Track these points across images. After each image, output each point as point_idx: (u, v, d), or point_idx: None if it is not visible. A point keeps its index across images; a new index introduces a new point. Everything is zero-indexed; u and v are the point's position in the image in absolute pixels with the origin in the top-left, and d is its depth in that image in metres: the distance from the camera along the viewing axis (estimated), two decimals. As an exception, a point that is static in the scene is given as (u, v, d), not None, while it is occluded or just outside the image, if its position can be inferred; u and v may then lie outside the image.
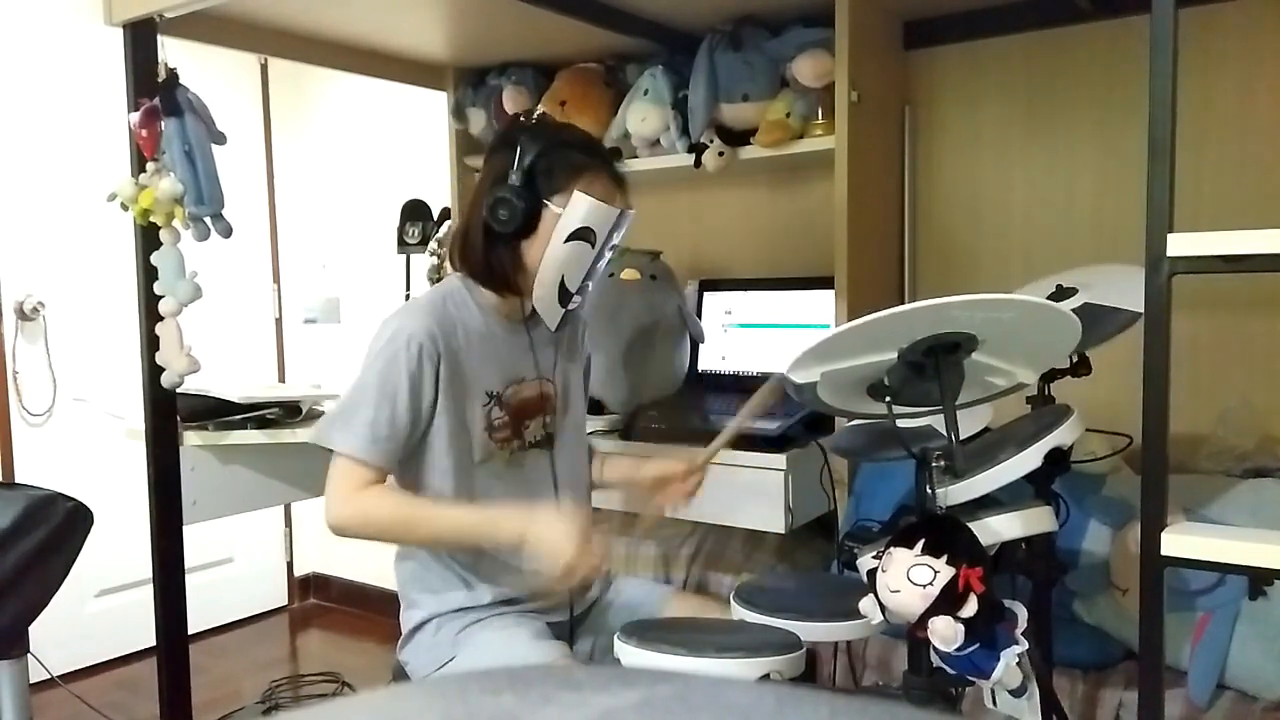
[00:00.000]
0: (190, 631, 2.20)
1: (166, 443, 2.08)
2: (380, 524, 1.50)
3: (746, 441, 1.96)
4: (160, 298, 1.99)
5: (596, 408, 2.22)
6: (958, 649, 1.10)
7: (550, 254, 1.50)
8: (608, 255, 1.56)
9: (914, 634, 1.14)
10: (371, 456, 1.46)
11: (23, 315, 2.95)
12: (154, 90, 1.92)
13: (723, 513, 1.97)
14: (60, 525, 1.63)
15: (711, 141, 2.16)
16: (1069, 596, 1.76)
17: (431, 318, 1.50)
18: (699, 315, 2.35)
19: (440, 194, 2.66)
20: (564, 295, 1.54)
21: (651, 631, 1.36)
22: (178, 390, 2.05)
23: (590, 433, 2.15)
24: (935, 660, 1.16)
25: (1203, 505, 1.65)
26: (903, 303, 1.39)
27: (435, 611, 1.57)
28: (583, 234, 1.50)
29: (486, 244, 1.51)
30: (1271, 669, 1.57)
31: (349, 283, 3.55)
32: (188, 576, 2.16)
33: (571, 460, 1.71)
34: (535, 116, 1.56)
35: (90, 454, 3.02)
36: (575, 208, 1.49)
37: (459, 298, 1.56)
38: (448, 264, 1.65)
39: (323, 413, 2.27)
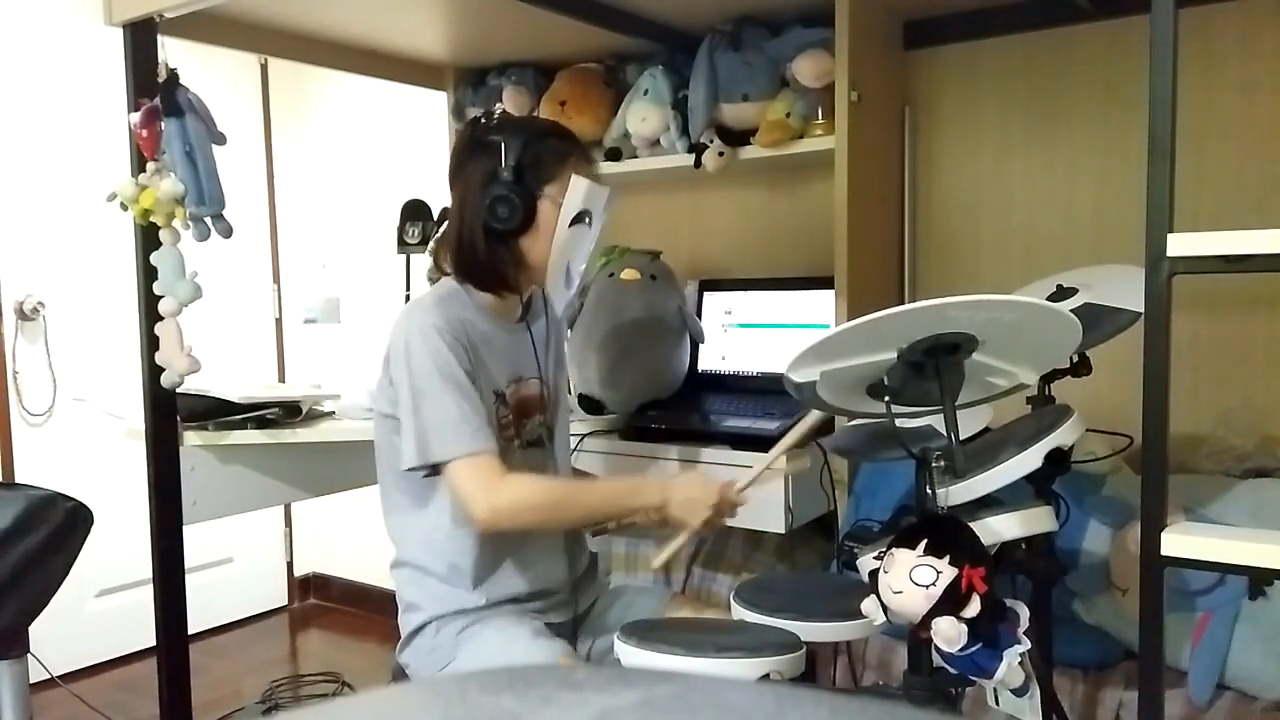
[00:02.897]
0: (190, 631, 2.20)
1: (166, 443, 2.08)
2: (535, 508, 1.50)
3: (746, 441, 1.96)
4: (160, 298, 1.99)
5: (597, 408, 2.22)
6: (961, 649, 1.10)
7: (557, 241, 1.52)
8: (598, 235, 1.59)
9: (916, 634, 1.14)
10: (484, 443, 1.46)
11: (23, 315, 2.95)
12: (154, 90, 1.92)
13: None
14: (60, 525, 1.63)
15: (711, 141, 2.16)
16: (1069, 596, 1.76)
17: (444, 311, 1.51)
18: (699, 315, 2.35)
19: (440, 194, 2.65)
20: (569, 280, 1.58)
21: (651, 631, 1.36)
22: (178, 390, 2.05)
23: (590, 433, 2.16)
24: (937, 660, 1.15)
25: (1203, 505, 1.65)
26: (903, 303, 1.39)
27: (435, 614, 1.57)
28: (581, 216, 1.53)
29: (486, 246, 1.52)
30: (1271, 669, 1.57)
31: (349, 283, 3.55)
32: (188, 576, 2.15)
33: (565, 460, 1.73)
34: (496, 116, 1.58)
35: (90, 454, 3.02)
36: (575, 192, 1.51)
37: (459, 298, 1.56)
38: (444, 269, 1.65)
39: (324, 413, 2.28)
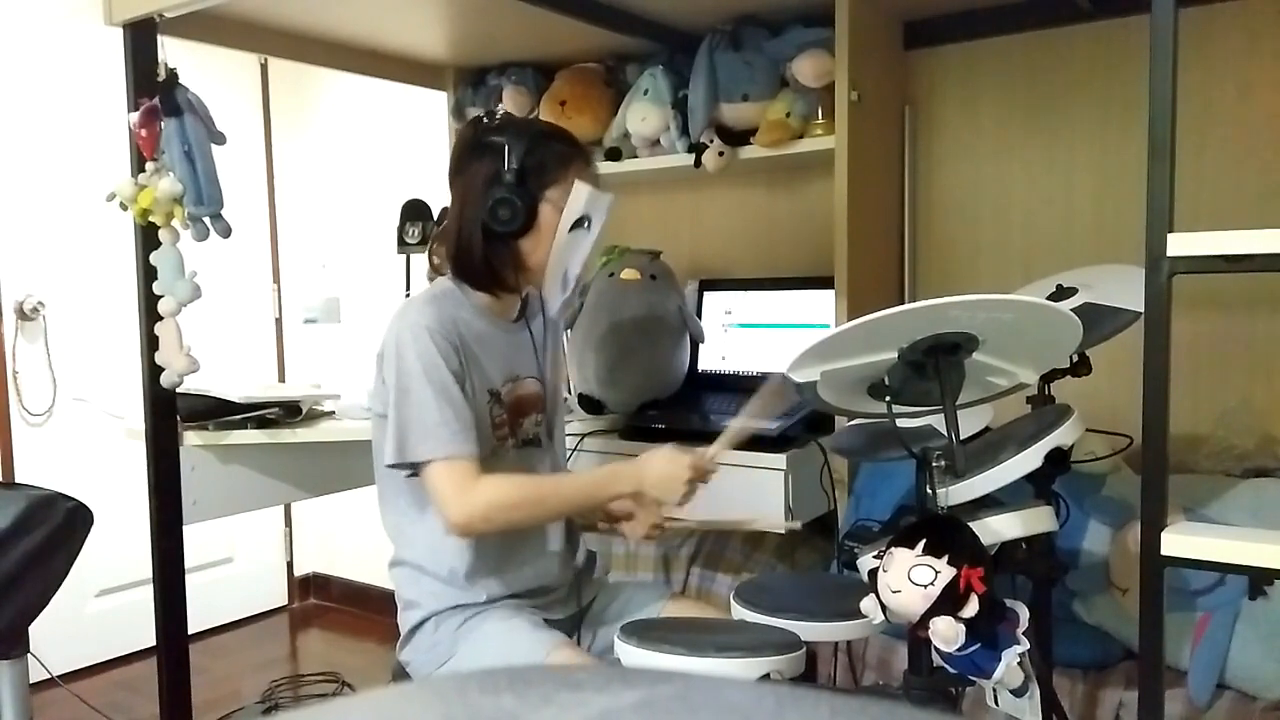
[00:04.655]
0: (190, 631, 2.20)
1: (166, 443, 2.08)
2: (509, 508, 1.50)
3: (747, 441, 1.96)
4: (160, 297, 1.99)
5: (597, 408, 2.22)
6: (959, 649, 1.10)
7: (556, 245, 1.52)
8: (596, 239, 1.58)
9: (915, 634, 1.15)
10: (462, 449, 1.46)
11: (23, 315, 2.95)
12: (154, 90, 1.92)
13: (723, 513, 1.97)
14: (60, 525, 1.63)
15: (711, 141, 2.16)
16: (1069, 596, 1.76)
17: (437, 311, 1.51)
18: (699, 315, 2.35)
19: (440, 194, 2.65)
20: (565, 283, 1.57)
21: (651, 631, 1.36)
22: (178, 390, 2.05)
23: (590, 433, 2.16)
24: (936, 660, 1.16)
25: (1203, 505, 1.65)
26: (903, 303, 1.39)
27: (433, 610, 1.57)
28: (581, 221, 1.53)
29: (486, 247, 1.52)
30: (1271, 669, 1.57)
31: (349, 283, 3.55)
32: (188, 576, 2.15)
33: (561, 459, 1.74)
34: (498, 117, 1.57)
35: (90, 454, 3.02)
36: (576, 197, 1.51)
37: (455, 298, 1.57)
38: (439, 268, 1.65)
39: (324, 413, 2.28)
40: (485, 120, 1.57)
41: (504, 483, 1.51)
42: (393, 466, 1.49)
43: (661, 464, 1.51)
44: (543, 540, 1.63)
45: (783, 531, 1.85)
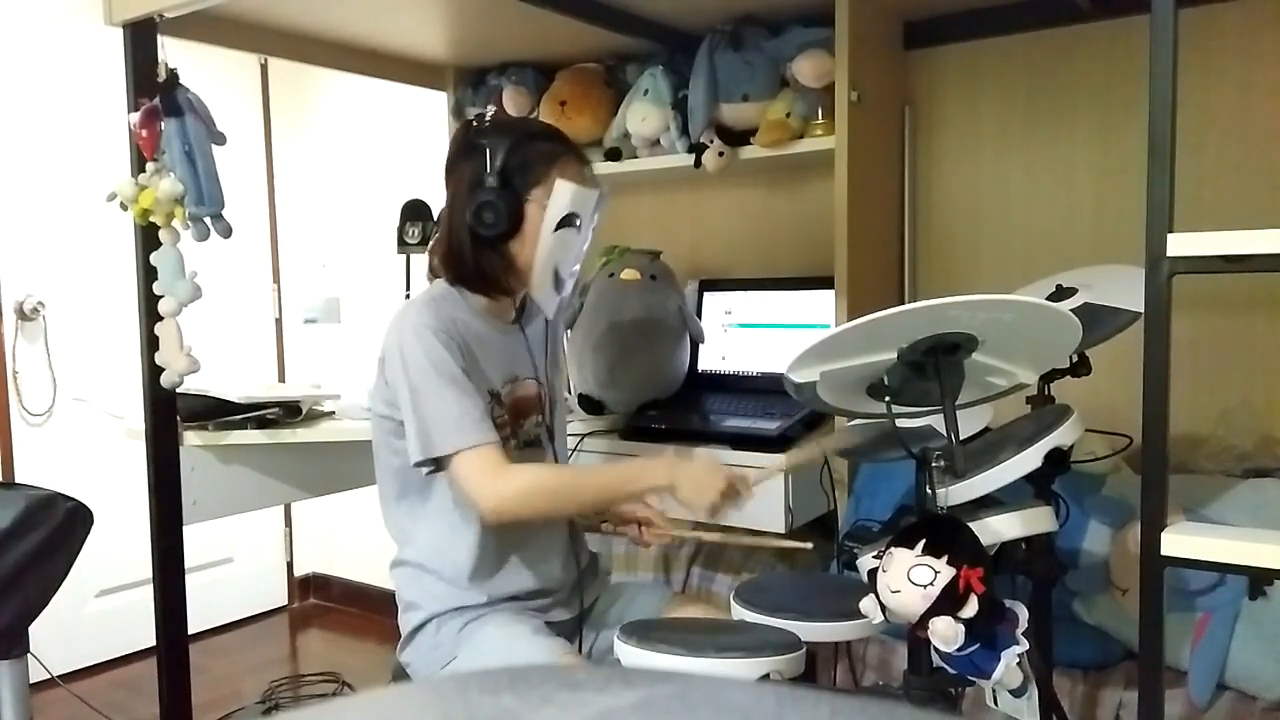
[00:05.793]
0: (190, 631, 2.20)
1: (166, 443, 2.08)
2: (542, 493, 1.50)
3: (747, 441, 1.96)
4: (160, 298, 1.99)
5: (597, 408, 2.22)
6: (958, 649, 1.10)
7: (542, 246, 1.51)
8: (590, 237, 1.57)
9: (914, 634, 1.15)
10: (486, 435, 1.46)
11: (23, 315, 2.95)
12: (154, 90, 1.92)
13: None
14: (60, 525, 1.63)
15: (711, 141, 2.16)
16: (1069, 596, 1.76)
17: (436, 312, 1.51)
18: (699, 315, 2.35)
19: (440, 194, 2.65)
20: (558, 283, 1.56)
21: (651, 631, 1.36)
22: (178, 390, 2.05)
23: (590, 433, 2.16)
24: (936, 660, 1.16)
25: (1203, 505, 1.65)
26: (903, 303, 1.39)
27: (435, 612, 1.57)
28: (568, 220, 1.52)
29: (474, 250, 1.51)
30: (1271, 669, 1.57)
31: (349, 283, 3.55)
32: (188, 576, 2.15)
33: (564, 460, 1.73)
34: (488, 117, 1.56)
35: (90, 454, 3.02)
36: (559, 196, 1.50)
37: (453, 300, 1.57)
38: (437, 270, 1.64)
39: (324, 413, 2.28)
40: (475, 122, 1.56)
41: (537, 470, 1.52)
42: (419, 464, 1.48)
43: (700, 470, 1.48)
44: (547, 541, 1.63)
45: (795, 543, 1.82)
